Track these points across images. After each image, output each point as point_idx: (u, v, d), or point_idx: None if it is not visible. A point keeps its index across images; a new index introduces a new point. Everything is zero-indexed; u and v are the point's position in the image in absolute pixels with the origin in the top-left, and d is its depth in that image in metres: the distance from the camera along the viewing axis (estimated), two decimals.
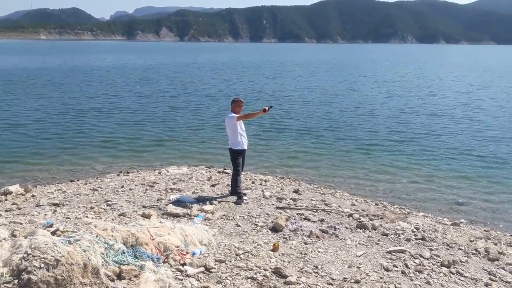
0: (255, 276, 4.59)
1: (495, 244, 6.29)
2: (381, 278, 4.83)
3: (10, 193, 8.04)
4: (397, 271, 5.06)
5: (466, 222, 7.81)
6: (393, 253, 5.55)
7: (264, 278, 4.58)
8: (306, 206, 7.44)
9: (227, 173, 9.71)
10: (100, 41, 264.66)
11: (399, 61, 68.80)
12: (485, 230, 7.28)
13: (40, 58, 62.03)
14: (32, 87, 27.24)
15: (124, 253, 4.41)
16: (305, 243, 5.69)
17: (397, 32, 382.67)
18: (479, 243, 6.18)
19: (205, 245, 5.27)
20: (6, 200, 7.74)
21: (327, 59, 75.65)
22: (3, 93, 23.74)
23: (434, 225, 6.96)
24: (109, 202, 7.29)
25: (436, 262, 5.39)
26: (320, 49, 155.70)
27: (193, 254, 4.93)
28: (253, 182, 9.05)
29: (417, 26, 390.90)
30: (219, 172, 9.99)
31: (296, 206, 7.39)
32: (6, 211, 6.98)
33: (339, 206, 7.67)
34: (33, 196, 8.00)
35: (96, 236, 4.41)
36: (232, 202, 7.34)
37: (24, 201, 7.70)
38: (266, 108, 7.11)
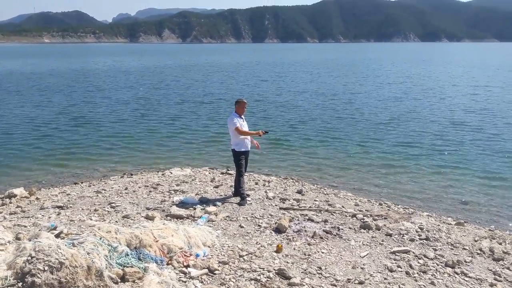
0: (258, 277, 4.58)
1: (500, 244, 6.26)
2: (385, 279, 4.82)
3: (15, 196, 8.08)
4: (401, 271, 5.04)
5: (471, 222, 7.78)
6: (397, 254, 5.53)
7: (268, 279, 4.57)
8: (310, 207, 7.43)
9: (230, 174, 9.71)
10: (103, 43, 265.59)
11: (402, 60, 68.57)
12: (489, 230, 7.24)
13: (43, 62, 62.24)
14: (35, 90, 27.41)
15: (127, 255, 4.43)
16: (309, 244, 5.68)
17: (399, 30, 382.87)
18: (484, 243, 6.14)
19: (208, 246, 5.28)
20: (10, 203, 7.78)
21: (331, 59, 75.54)
22: (6, 97, 23.86)
23: (438, 225, 6.93)
24: (113, 204, 7.32)
25: (441, 262, 5.37)
26: (323, 49, 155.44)
27: (197, 255, 4.93)
28: (256, 183, 9.05)
29: (419, 24, 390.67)
30: (222, 173, 9.99)
31: (299, 207, 7.38)
32: (11, 214, 7.01)
33: (343, 207, 7.66)
34: (37, 199, 8.03)
35: (100, 239, 4.42)
36: (236, 203, 7.34)
37: (28, 204, 7.73)
38: (261, 132, 7.35)
